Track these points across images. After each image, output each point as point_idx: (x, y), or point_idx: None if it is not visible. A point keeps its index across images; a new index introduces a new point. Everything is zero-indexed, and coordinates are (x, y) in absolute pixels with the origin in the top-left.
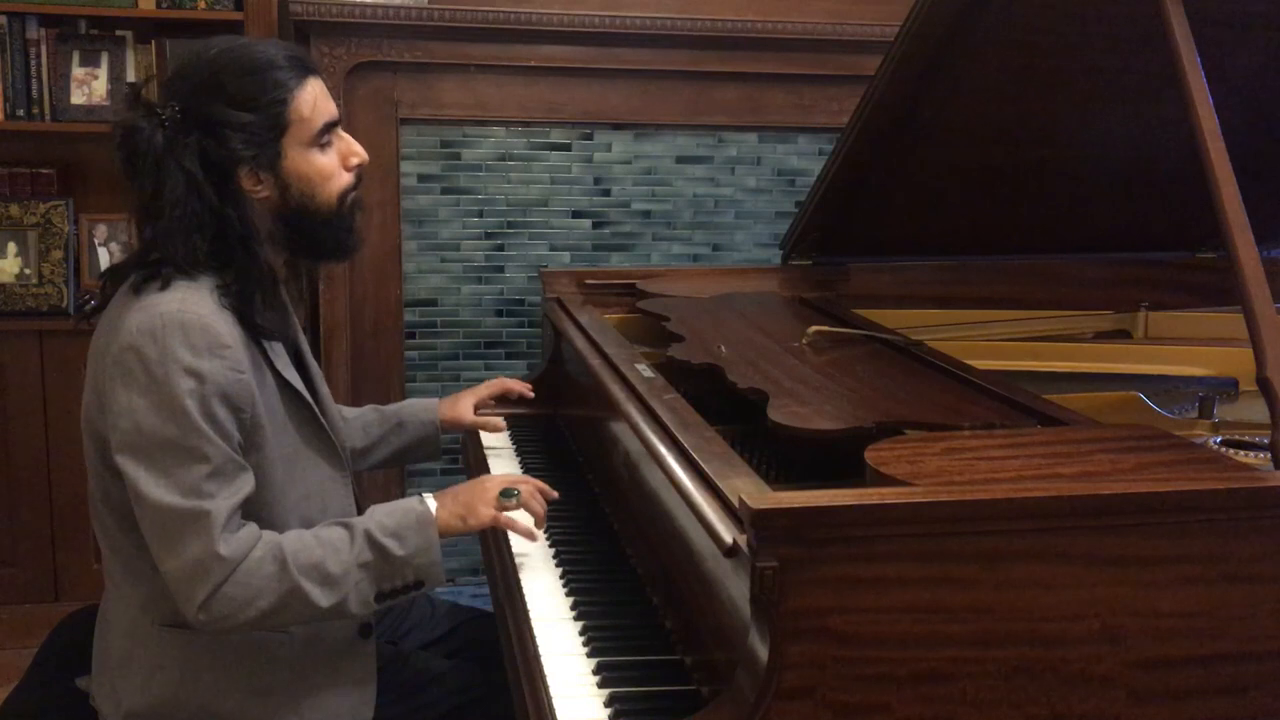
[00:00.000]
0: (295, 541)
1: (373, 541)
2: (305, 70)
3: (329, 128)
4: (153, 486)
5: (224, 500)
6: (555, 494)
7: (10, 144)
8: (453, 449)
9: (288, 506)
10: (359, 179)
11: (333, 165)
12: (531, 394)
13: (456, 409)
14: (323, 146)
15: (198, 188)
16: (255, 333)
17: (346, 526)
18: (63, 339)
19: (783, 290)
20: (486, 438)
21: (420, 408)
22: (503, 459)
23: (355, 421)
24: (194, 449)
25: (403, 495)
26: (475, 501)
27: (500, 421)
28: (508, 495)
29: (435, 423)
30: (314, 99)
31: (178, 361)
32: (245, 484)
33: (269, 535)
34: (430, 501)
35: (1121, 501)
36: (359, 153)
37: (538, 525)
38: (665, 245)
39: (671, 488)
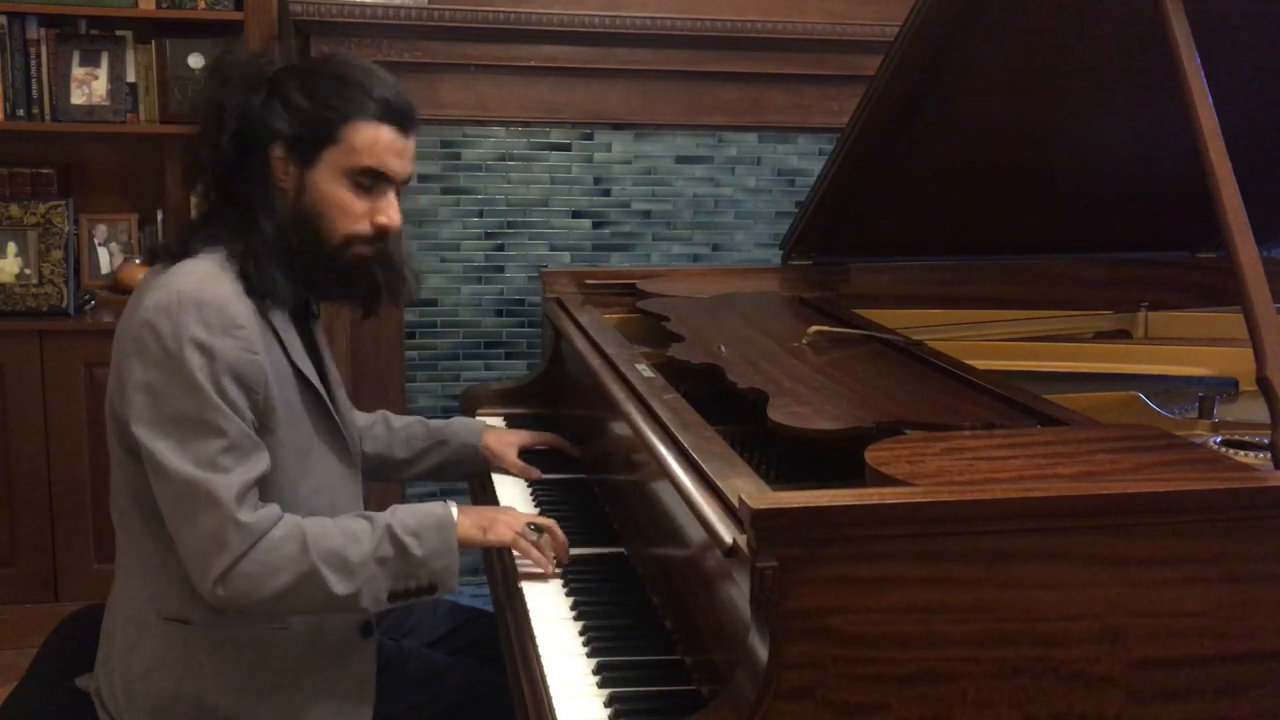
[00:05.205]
0: (316, 526)
1: (393, 537)
2: (388, 116)
3: (374, 175)
4: (170, 456)
5: (239, 475)
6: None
7: (10, 144)
8: None
9: (299, 498)
10: (377, 240)
11: (355, 206)
12: (576, 454)
13: (503, 447)
14: (357, 185)
15: (226, 127)
16: (258, 296)
17: (369, 519)
18: (63, 339)
19: (783, 290)
20: None
21: (465, 428)
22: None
23: (401, 432)
24: (209, 423)
25: (402, 497)
26: (499, 519)
27: (537, 472)
28: (532, 529)
29: (477, 446)
30: (376, 141)
31: (190, 337)
32: (260, 462)
33: (290, 517)
34: (453, 508)
35: (1121, 501)
36: (389, 215)
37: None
38: (665, 245)
39: (671, 488)
